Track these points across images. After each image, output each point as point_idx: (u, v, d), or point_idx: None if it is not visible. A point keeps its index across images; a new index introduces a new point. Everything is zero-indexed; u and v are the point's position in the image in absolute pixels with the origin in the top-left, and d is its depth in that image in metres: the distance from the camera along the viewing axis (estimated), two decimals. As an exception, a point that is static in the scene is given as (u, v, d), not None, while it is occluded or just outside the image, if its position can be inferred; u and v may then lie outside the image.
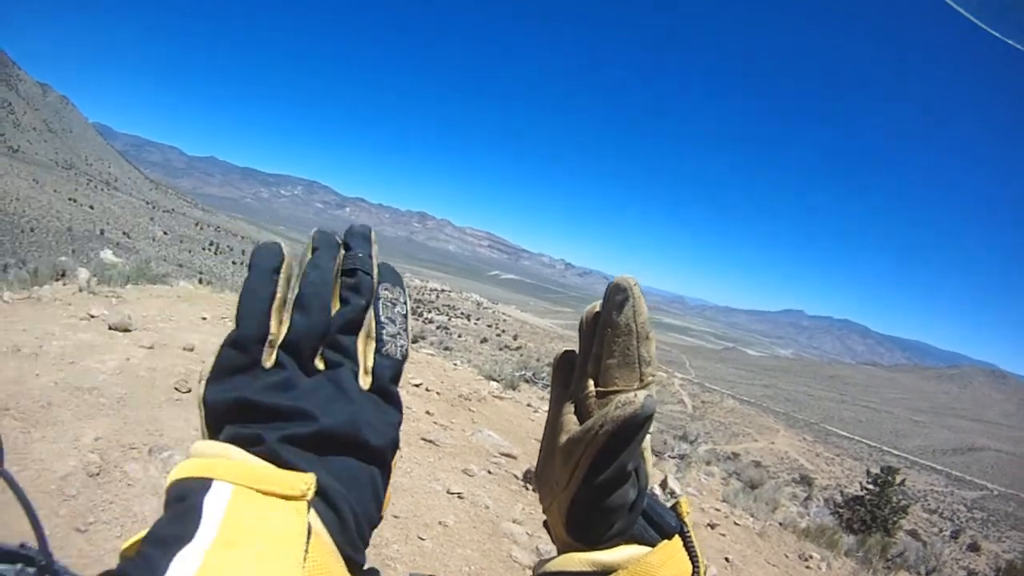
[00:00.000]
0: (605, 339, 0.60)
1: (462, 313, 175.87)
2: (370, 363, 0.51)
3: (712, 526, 7.68)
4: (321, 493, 0.42)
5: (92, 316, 6.97)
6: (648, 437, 0.61)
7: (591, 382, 0.60)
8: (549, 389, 0.69)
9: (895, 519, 15.37)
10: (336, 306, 0.51)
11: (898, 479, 16.57)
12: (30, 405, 4.31)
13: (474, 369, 13.22)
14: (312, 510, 0.40)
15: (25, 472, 3.56)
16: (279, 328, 0.49)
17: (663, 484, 8.59)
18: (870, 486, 16.24)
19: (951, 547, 22.34)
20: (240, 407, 0.46)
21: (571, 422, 0.60)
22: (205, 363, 0.49)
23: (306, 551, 0.37)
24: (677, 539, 0.60)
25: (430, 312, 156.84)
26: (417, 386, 8.50)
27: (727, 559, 6.89)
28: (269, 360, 0.48)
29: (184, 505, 0.38)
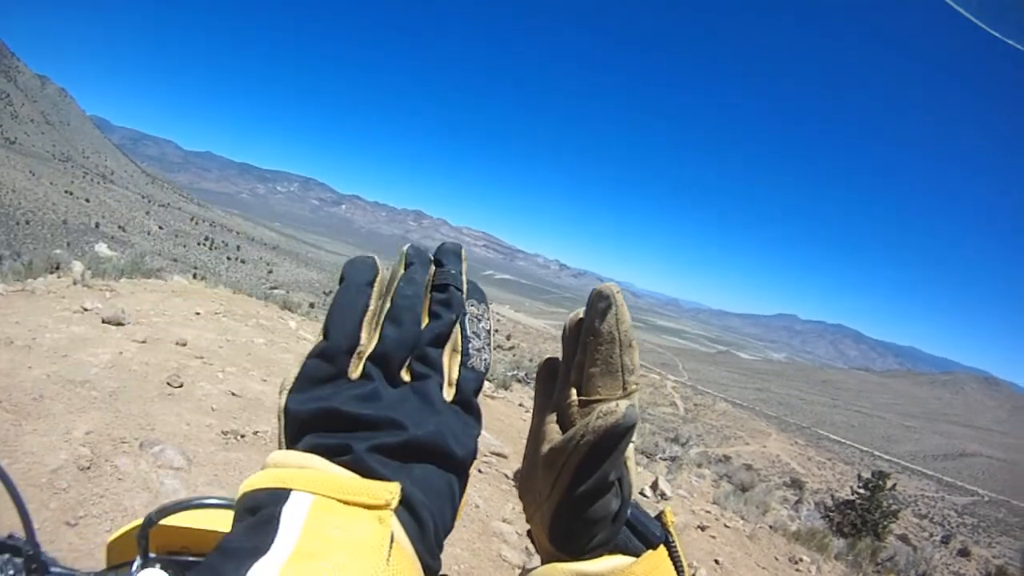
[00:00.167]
0: (588, 347, 0.59)
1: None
2: (455, 375, 0.51)
3: (702, 528, 7.70)
4: (404, 501, 0.42)
5: (86, 309, 6.95)
6: (632, 447, 0.61)
7: (574, 391, 0.60)
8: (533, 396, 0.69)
9: (885, 523, 15.41)
10: (426, 320, 0.52)
11: (889, 484, 16.60)
12: (22, 398, 4.30)
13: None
14: (395, 518, 0.39)
15: (16, 465, 3.56)
16: (369, 340, 0.49)
17: (654, 486, 8.62)
18: (861, 490, 16.27)
19: (941, 552, 22.40)
20: (327, 417, 0.46)
21: (553, 431, 0.59)
22: (286, 375, 0.50)
23: (387, 561, 0.36)
24: (662, 549, 0.59)
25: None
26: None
27: (717, 561, 6.91)
28: (356, 371, 0.48)
29: (259, 516, 0.37)
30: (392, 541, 0.37)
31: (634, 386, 0.58)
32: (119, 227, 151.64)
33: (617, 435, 0.52)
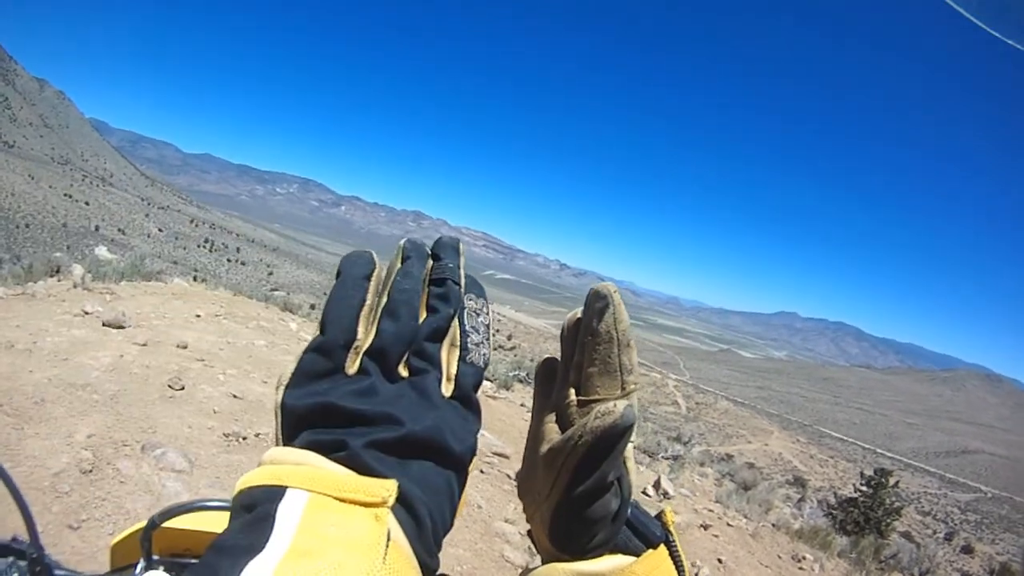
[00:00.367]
0: (586, 347, 0.59)
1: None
2: (453, 370, 0.51)
3: (705, 527, 7.69)
4: (402, 499, 0.41)
5: (86, 313, 6.95)
6: (631, 447, 0.60)
7: (572, 391, 0.60)
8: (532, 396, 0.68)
9: (888, 521, 15.41)
10: (424, 314, 0.52)
11: (891, 481, 16.61)
12: (23, 401, 4.30)
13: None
14: (392, 516, 0.39)
15: (18, 469, 3.55)
16: (366, 335, 0.49)
17: (656, 485, 8.62)
18: (863, 488, 16.28)
19: (945, 549, 22.38)
20: (323, 412, 0.45)
21: (552, 431, 0.59)
22: (283, 370, 0.49)
23: (384, 559, 0.35)
24: (662, 548, 0.59)
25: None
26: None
27: (720, 560, 6.90)
28: (353, 366, 0.48)
29: (255, 514, 0.37)
30: (389, 539, 0.37)
31: (633, 386, 0.58)
32: (119, 230, 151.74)
33: (615, 435, 0.52)
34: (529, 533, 0.64)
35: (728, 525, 8.26)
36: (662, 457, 13.22)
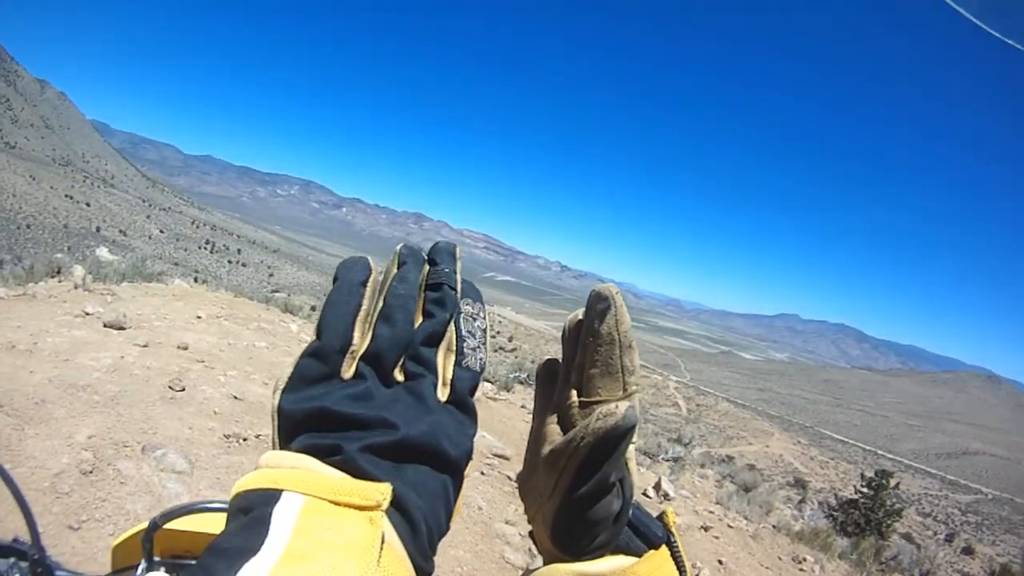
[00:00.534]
0: (587, 349, 0.59)
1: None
2: (449, 375, 0.51)
3: (706, 528, 7.69)
4: (396, 502, 0.42)
5: (87, 313, 6.95)
6: (632, 448, 0.61)
7: (574, 392, 0.60)
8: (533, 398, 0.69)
9: (889, 522, 15.40)
10: (419, 319, 0.52)
11: (892, 482, 16.60)
12: (24, 402, 4.31)
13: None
14: (386, 519, 0.39)
15: (19, 469, 3.56)
16: (362, 339, 0.49)
17: (657, 486, 8.61)
18: (864, 489, 16.27)
19: (945, 550, 22.37)
20: (319, 416, 0.45)
21: (554, 432, 0.59)
22: (280, 375, 0.49)
23: (378, 562, 0.35)
24: (664, 549, 0.60)
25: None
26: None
27: (720, 561, 6.90)
28: (349, 371, 0.48)
29: (251, 517, 0.37)
30: (383, 542, 0.37)
31: (634, 387, 0.58)
32: (120, 231, 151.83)
33: (617, 437, 0.52)
34: (530, 534, 0.64)
35: (729, 526, 8.25)
36: (663, 459, 13.22)
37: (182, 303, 9.26)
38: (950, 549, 25.37)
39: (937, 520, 61.32)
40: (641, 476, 9.13)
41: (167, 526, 0.66)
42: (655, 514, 0.63)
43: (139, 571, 0.67)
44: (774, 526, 9.29)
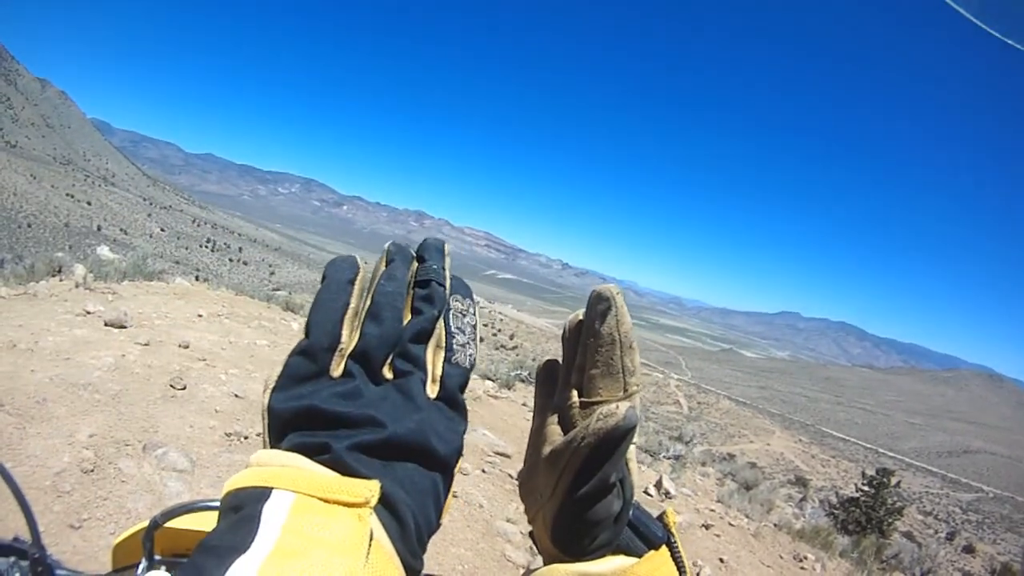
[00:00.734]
0: (588, 349, 0.59)
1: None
2: (439, 372, 0.51)
3: (707, 527, 7.69)
4: (384, 500, 0.42)
5: (88, 312, 6.96)
6: (633, 448, 0.61)
7: (575, 392, 0.60)
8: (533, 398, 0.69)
9: (890, 520, 15.40)
10: (408, 316, 0.52)
11: (893, 481, 16.60)
12: (25, 401, 4.31)
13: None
14: (374, 517, 0.40)
15: (20, 468, 3.56)
16: (350, 338, 0.49)
17: (658, 484, 8.61)
18: (865, 488, 16.27)
19: (946, 549, 22.34)
20: (307, 415, 0.46)
21: (555, 433, 0.59)
22: (270, 373, 0.50)
23: (366, 559, 0.36)
24: (664, 549, 0.60)
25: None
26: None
27: (722, 560, 6.90)
28: (338, 369, 0.48)
29: (241, 515, 0.37)
30: (371, 539, 0.38)
31: (635, 387, 0.59)
32: (121, 230, 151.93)
33: (617, 437, 0.52)
34: (530, 534, 0.65)
35: (730, 525, 8.25)
36: (664, 457, 13.21)
37: (183, 301, 9.26)
38: (951, 547, 25.35)
39: (938, 518, 61.36)
40: (642, 474, 9.14)
41: (167, 525, 0.66)
42: (655, 514, 0.63)
43: (140, 570, 0.67)
44: (775, 524, 9.29)
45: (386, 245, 0.56)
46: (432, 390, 0.50)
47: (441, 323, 0.53)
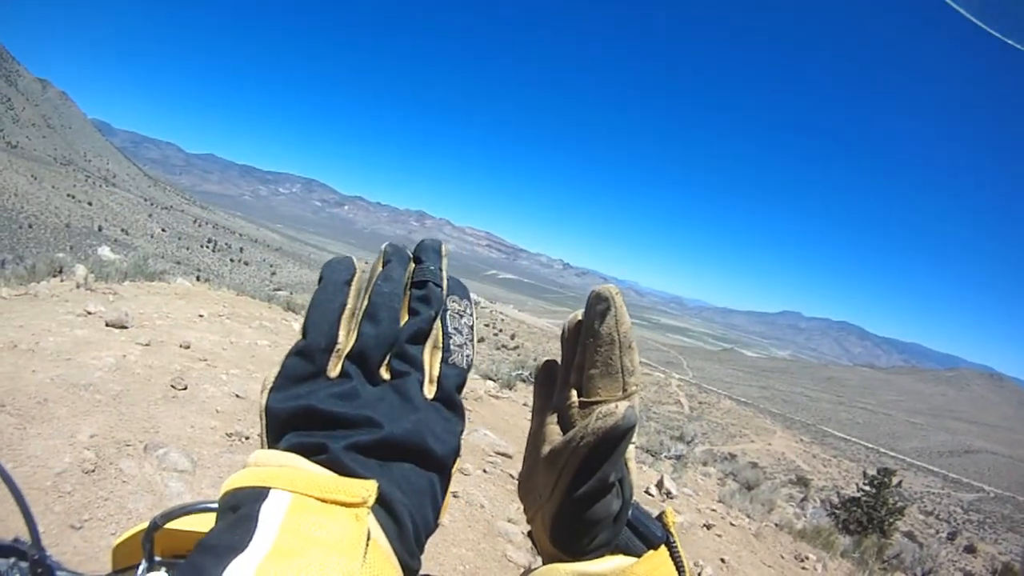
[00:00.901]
0: (587, 349, 0.59)
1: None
2: (436, 372, 0.51)
3: (708, 527, 7.69)
4: (381, 500, 0.42)
5: (89, 313, 6.96)
6: (632, 448, 0.61)
7: (574, 392, 0.60)
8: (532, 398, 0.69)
9: (891, 520, 15.40)
10: (405, 317, 0.52)
11: (894, 481, 16.61)
12: (26, 401, 4.31)
13: (471, 369, 13.21)
14: (372, 517, 0.40)
15: (21, 469, 3.56)
16: (347, 338, 0.50)
17: (659, 484, 8.61)
18: (867, 487, 16.27)
19: (948, 549, 22.36)
20: (305, 415, 0.46)
21: (554, 432, 0.59)
22: (268, 373, 0.50)
23: (364, 558, 0.36)
24: (663, 549, 0.60)
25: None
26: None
27: (723, 560, 6.90)
28: (335, 370, 0.48)
29: (239, 515, 0.38)
30: (369, 539, 0.38)
31: (634, 387, 0.59)
32: (122, 230, 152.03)
33: (616, 437, 0.52)
34: (529, 534, 0.65)
35: (731, 525, 8.25)
36: (665, 457, 13.20)
37: (184, 302, 9.27)
38: (952, 547, 25.35)
39: (939, 518, 61.32)
40: (643, 474, 9.14)
41: (168, 526, 0.66)
42: (655, 513, 0.63)
43: (140, 571, 0.67)
44: (776, 524, 9.29)
45: (383, 246, 0.56)
46: (429, 391, 0.50)
47: (438, 324, 0.53)
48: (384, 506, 0.43)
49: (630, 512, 0.60)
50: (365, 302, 0.51)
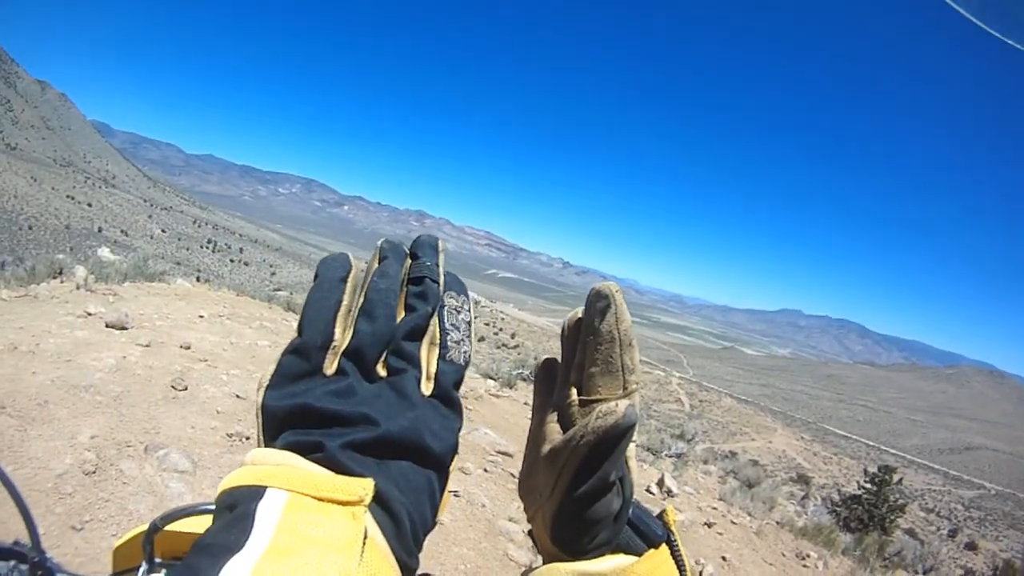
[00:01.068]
0: (588, 347, 0.59)
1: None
2: (433, 369, 0.51)
3: (709, 525, 7.69)
4: (379, 498, 0.42)
5: (89, 314, 6.95)
6: (633, 446, 0.61)
7: (574, 390, 0.60)
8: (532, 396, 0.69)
9: (892, 518, 15.40)
10: (402, 313, 0.52)
11: (895, 478, 16.60)
12: (26, 403, 4.30)
13: (471, 367, 13.22)
14: (369, 515, 0.40)
15: (22, 470, 3.56)
16: (343, 335, 0.49)
17: (660, 483, 8.61)
18: (867, 485, 16.27)
19: (948, 546, 22.41)
20: (301, 413, 0.46)
21: (554, 431, 0.59)
22: (264, 371, 0.50)
23: (361, 557, 0.36)
24: (664, 548, 0.59)
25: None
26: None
27: (724, 558, 6.90)
28: (331, 367, 0.48)
29: (236, 514, 0.37)
30: (366, 537, 0.38)
31: (635, 385, 0.58)
32: (122, 231, 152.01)
33: (617, 435, 0.52)
34: (530, 532, 0.65)
35: (732, 523, 8.25)
36: (666, 455, 13.20)
37: (184, 302, 9.27)
38: (953, 544, 25.38)
39: (940, 515, 61.42)
40: (644, 473, 9.14)
41: (168, 528, 0.66)
42: (656, 512, 0.63)
43: (140, 573, 0.67)
44: (777, 522, 9.29)
45: (379, 242, 0.56)
46: (427, 387, 0.50)
47: (435, 320, 0.53)
48: (381, 504, 0.42)
49: (631, 511, 0.59)
50: (361, 299, 0.51)
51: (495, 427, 7.92)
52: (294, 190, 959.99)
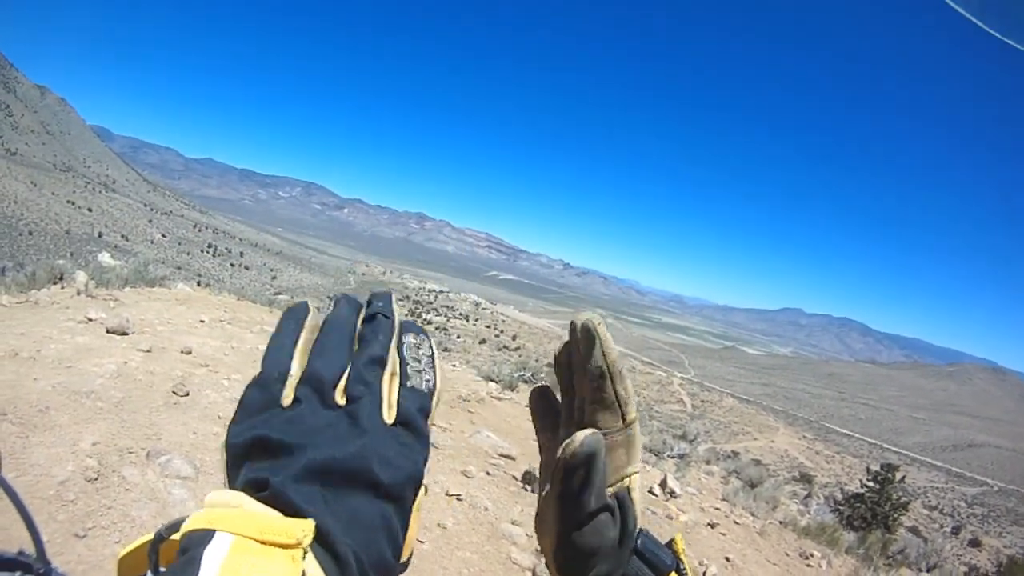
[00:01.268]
0: (580, 383, 0.60)
1: (460, 314, 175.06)
2: (394, 397, 0.51)
3: (712, 525, 7.68)
4: (322, 539, 0.41)
5: (90, 319, 6.95)
6: (637, 477, 0.61)
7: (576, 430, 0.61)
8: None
9: (896, 516, 15.37)
10: (357, 347, 0.53)
11: (898, 476, 16.56)
12: (28, 409, 4.30)
13: (473, 370, 13.24)
14: (311, 556, 0.39)
15: (23, 477, 3.56)
16: (300, 367, 0.50)
17: (663, 484, 8.60)
18: (870, 483, 16.23)
19: (952, 543, 22.34)
20: (256, 446, 0.45)
21: None
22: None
23: None
24: None
25: (428, 313, 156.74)
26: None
27: (727, 558, 6.89)
28: (288, 398, 0.48)
29: (186, 558, 0.38)
30: None
31: (633, 415, 0.60)
32: (122, 236, 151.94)
33: (576, 465, 0.54)
34: (546, 564, 0.66)
35: (735, 523, 8.25)
36: (668, 455, 13.20)
37: (185, 307, 9.27)
38: (957, 541, 25.33)
39: (943, 513, 61.33)
40: (647, 474, 9.13)
41: (173, 537, 0.66)
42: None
43: (145, 582, 0.66)
44: (780, 522, 9.29)
45: (335, 295, 0.58)
46: (389, 415, 0.49)
47: (395, 353, 0.53)
48: (324, 545, 0.41)
49: (639, 540, 0.60)
50: (318, 334, 0.53)
51: (497, 430, 7.91)
52: (294, 193, 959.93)
